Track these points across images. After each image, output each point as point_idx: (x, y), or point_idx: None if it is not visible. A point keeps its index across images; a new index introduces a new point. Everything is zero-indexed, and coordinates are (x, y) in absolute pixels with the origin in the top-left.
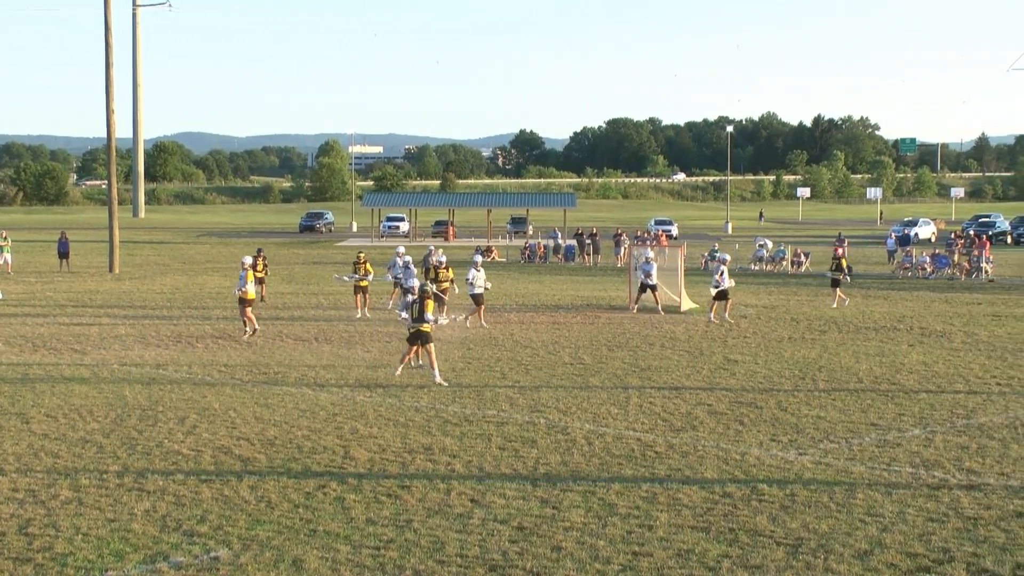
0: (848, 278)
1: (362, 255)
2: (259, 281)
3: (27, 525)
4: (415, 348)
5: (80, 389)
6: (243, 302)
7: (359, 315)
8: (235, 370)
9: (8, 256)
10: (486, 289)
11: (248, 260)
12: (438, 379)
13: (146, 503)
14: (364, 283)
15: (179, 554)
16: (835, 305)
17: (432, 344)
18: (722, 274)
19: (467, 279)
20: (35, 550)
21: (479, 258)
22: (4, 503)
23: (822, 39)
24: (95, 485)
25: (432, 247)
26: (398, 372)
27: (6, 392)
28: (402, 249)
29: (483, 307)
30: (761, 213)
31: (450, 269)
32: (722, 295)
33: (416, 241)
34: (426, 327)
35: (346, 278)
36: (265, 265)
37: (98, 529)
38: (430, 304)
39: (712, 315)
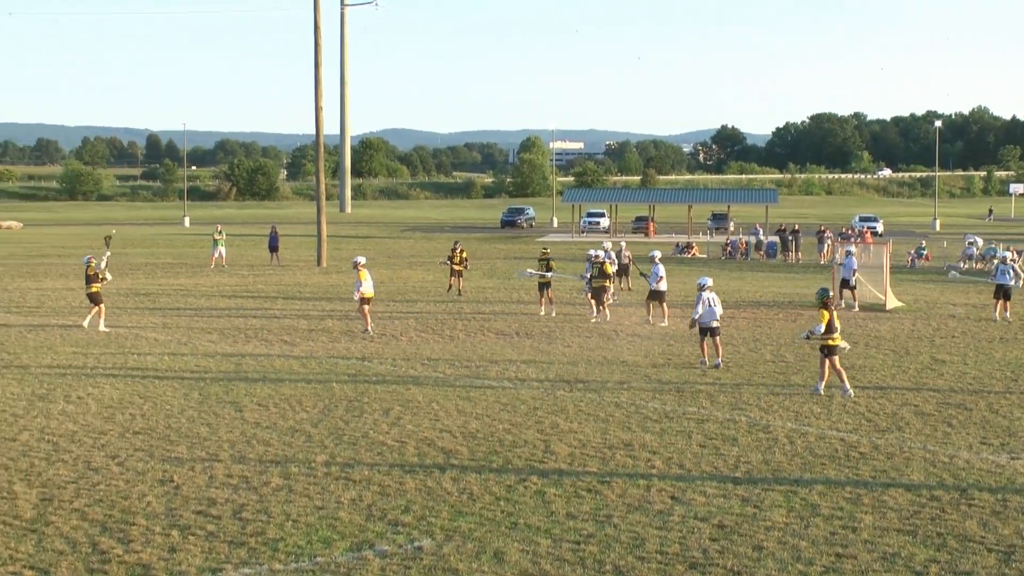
0: None
1: (547, 251)
2: (457, 274)
3: (241, 510)
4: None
5: (290, 380)
6: (363, 301)
7: (543, 312)
8: (438, 364)
9: (222, 249)
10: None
11: (361, 259)
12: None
13: (352, 492)
14: (547, 279)
15: (384, 543)
16: None
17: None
18: (1004, 273)
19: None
20: (248, 534)
21: (657, 253)
22: (220, 488)
23: None
24: (304, 473)
25: (617, 242)
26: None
27: (221, 381)
28: (623, 244)
29: (660, 304)
30: (991, 210)
31: (607, 264)
32: (1005, 294)
33: (616, 237)
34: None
35: (528, 272)
36: (464, 259)
37: (307, 516)
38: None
39: (996, 314)
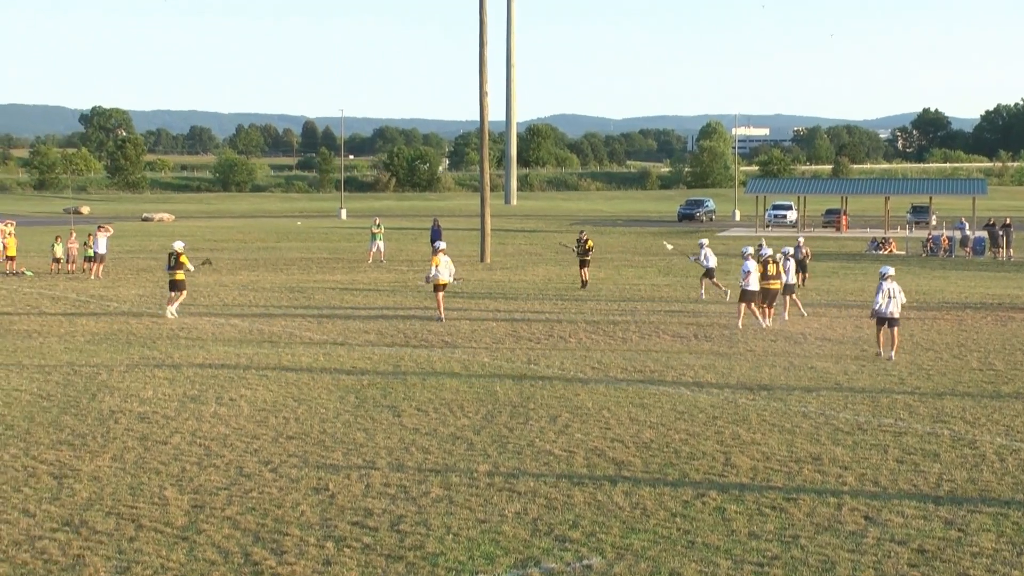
0: None
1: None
2: (583, 264)
3: (399, 522)
4: None
5: (451, 383)
6: (436, 287)
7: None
8: (608, 367)
9: (381, 244)
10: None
11: (442, 245)
12: None
13: (517, 505)
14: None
15: (550, 560)
16: None
17: None
18: None
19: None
20: (407, 548)
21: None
22: (377, 498)
23: None
24: (465, 484)
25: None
26: None
27: (379, 384)
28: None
29: (750, 304)
30: None
31: (772, 263)
32: None
33: (805, 232)
34: None
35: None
36: (589, 248)
37: (468, 530)
38: None
39: None
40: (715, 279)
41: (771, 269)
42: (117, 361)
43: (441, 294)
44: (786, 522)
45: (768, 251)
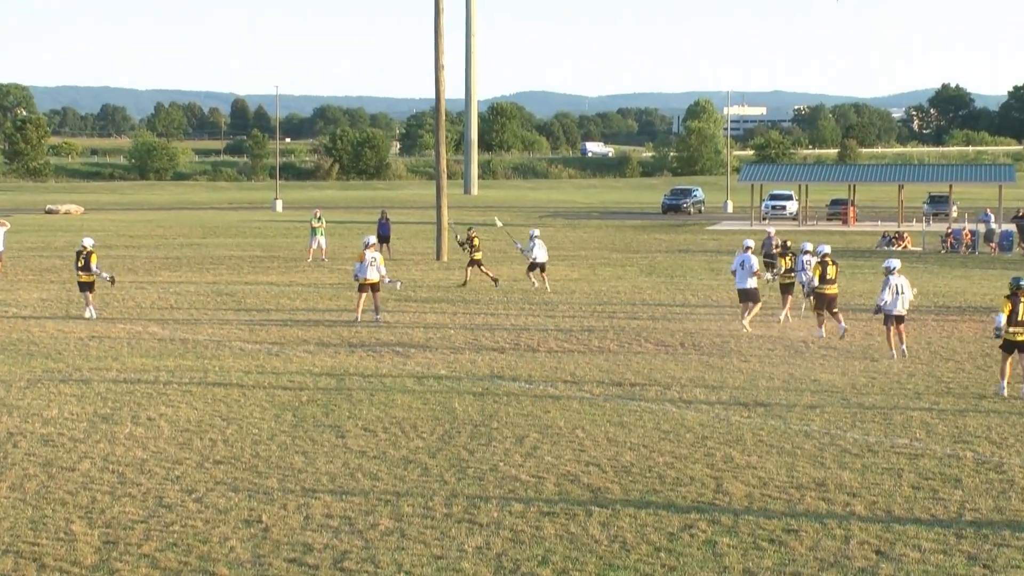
0: None
1: (788, 242)
2: (477, 263)
3: (343, 558)
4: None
5: (403, 399)
6: (365, 287)
7: (782, 319)
8: (583, 381)
9: (322, 240)
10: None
11: (371, 239)
12: None
13: (478, 538)
14: (791, 279)
15: None
16: None
17: None
18: None
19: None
20: None
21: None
22: (318, 531)
23: None
24: (419, 514)
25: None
26: None
27: (320, 401)
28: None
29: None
30: None
31: (829, 264)
32: None
33: (807, 225)
34: None
35: (769, 275)
36: (476, 247)
37: (422, 567)
38: None
39: None
40: (545, 272)
41: (830, 272)
42: (16, 375)
43: (366, 295)
44: (786, 557)
45: (825, 248)
